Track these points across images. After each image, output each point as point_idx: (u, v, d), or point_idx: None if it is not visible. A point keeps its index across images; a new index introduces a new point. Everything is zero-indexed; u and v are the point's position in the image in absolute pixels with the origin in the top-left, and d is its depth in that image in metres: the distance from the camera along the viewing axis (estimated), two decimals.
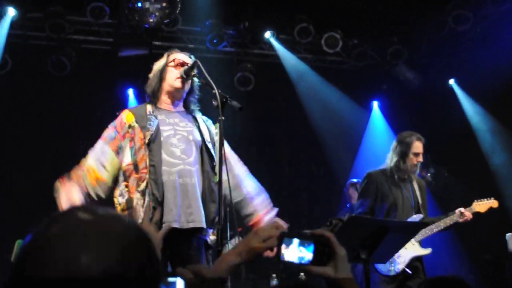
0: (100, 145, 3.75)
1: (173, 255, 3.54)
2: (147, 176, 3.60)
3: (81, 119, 8.14)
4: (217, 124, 3.48)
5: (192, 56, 3.99)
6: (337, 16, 8.42)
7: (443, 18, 8.29)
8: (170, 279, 1.46)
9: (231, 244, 7.01)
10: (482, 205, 5.60)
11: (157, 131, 3.73)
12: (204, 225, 3.66)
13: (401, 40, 8.77)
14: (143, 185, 3.60)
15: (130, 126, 3.75)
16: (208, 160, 3.82)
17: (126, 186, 3.68)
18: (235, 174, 3.88)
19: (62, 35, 7.68)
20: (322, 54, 8.80)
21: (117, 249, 1.06)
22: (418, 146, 5.36)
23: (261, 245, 1.67)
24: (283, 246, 1.60)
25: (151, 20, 7.26)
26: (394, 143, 5.51)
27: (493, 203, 5.65)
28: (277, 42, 8.49)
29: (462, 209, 5.38)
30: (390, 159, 5.45)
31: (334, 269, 1.57)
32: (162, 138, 3.71)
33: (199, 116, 4.04)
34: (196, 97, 4.02)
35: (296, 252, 1.59)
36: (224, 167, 3.34)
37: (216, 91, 3.43)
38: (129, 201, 3.64)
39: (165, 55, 4.03)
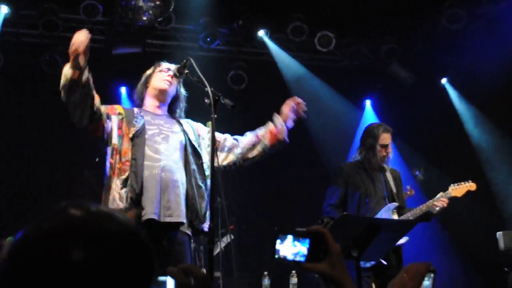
0: None
1: (156, 251, 3.56)
2: (129, 168, 3.66)
3: None
4: (209, 122, 3.51)
5: (178, 70, 4.09)
6: (331, 15, 8.42)
7: (437, 17, 8.31)
8: (161, 278, 1.46)
9: (222, 242, 7.01)
10: (458, 189, 5.44)
11: (143, 129, 3.83)
12: (184, 220, 3.72)
13: (394, 39, 8.78)
14: (124, 175, 3.66)
15: (119, 114, 3.87)
16: (193, 159, 3.91)
17: (111, 164, 3.76)
18: (231, 141, 4.14)
19: (55, 33, 7.65)
20: (316, 53, 8.80)
21: (109, 247, 1.06)
22: (385, 138, 5.34)
23: None
24: (278, 243, 1.61)
25: (144, 18, 7.24)
26: (362, 135, 5.51)
27: (470, 186, 5.47)
28: (270, 41, 8.49)
29: (439, 195, 5.33)
30: (359, 152, 5.47)
31: (330, 265, 1.58)
32: (146, 135, 3.80)
33: (183, 120, 4.15)
34: (182, 104, 4.12)
35: (291, 249, 1.60)
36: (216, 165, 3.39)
37: (208, 89, 3.46)
38: (109, 181, 3.72)
39: (153, 66, 4.15)
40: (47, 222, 1.09)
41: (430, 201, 5.29)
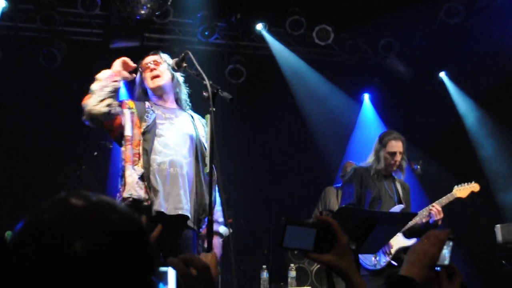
0: None
1: (164, 245, 3.56)
2: (141, 162, 3.71)
3: (71, 110, 8.09)
4: (208, 116, 3.51)
5: (160, 53, 4.13)
6: (329, 9, 8.41)
7: (435, 11, 8.31)
8: (161, 269, 1.46)
9: None
10: (462, 190, 5.45)
11: (154, 124, 3.86)
12: (189, 214, 3.75)
13: (392, 32, 8.78)
14: (139, 169, 3.70)
15: (130, 108, 3.90)
16: (202, 154, 3.92)
17: (123, 152, 3.81)
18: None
19: (53, 27, 7.63)
20: (314, 46, 8.80)
21: (109, 237, 1.06)
22: (393, 146, 5.26)
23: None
24: (286, 233, 1.61)
25: (142, 12, 7.24)
26: (375, 142, 5.51)
27: (473, 187, 5.49)
28: (268, 35, 8.48)
29: (444, 197, 5.34)
30: (370, 158, 5.47)
31: (336, 256, 1.58)
32: (157, 130, 3.84)
33: (194, 113, 4.18)
34: (182, 90, 4.14)
35: (298, 239, 1.59)
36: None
37: (207, 82, 3.46)
38: (123, 168, 3.76)
39: (139, 69, 4.20)
40: (48, 212, 1.09)
41: (437, 201, 5.30)
